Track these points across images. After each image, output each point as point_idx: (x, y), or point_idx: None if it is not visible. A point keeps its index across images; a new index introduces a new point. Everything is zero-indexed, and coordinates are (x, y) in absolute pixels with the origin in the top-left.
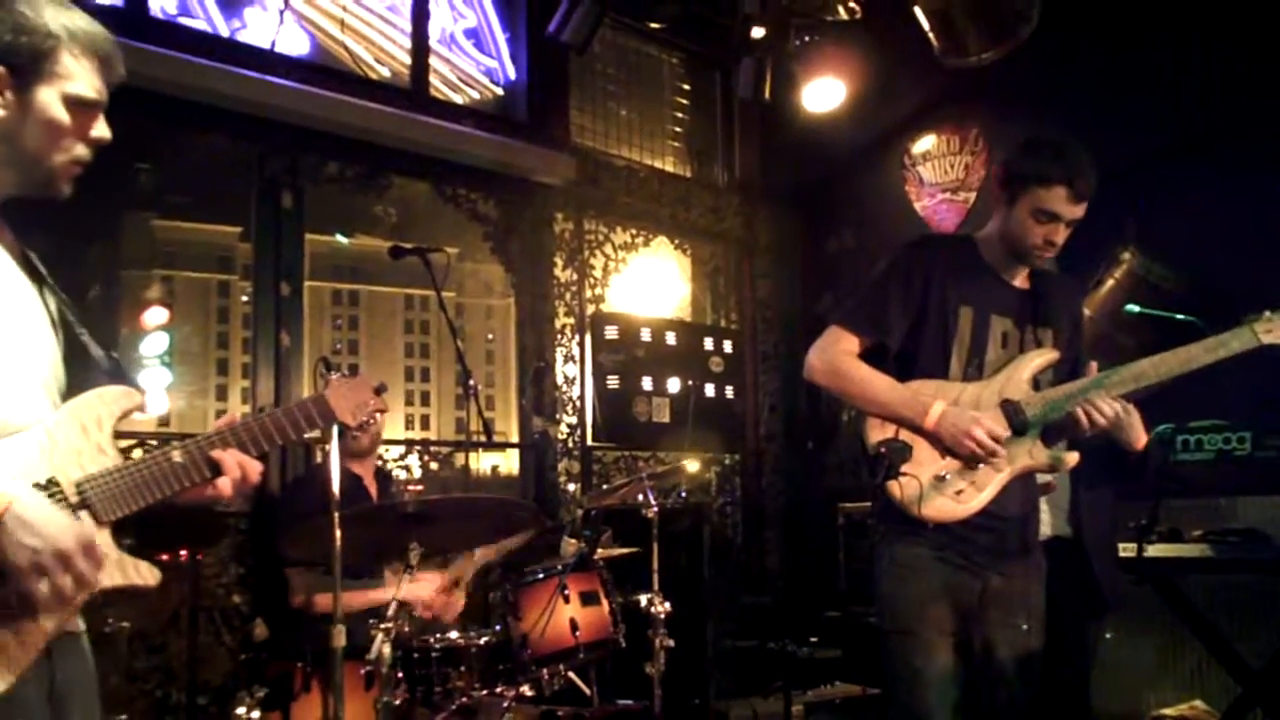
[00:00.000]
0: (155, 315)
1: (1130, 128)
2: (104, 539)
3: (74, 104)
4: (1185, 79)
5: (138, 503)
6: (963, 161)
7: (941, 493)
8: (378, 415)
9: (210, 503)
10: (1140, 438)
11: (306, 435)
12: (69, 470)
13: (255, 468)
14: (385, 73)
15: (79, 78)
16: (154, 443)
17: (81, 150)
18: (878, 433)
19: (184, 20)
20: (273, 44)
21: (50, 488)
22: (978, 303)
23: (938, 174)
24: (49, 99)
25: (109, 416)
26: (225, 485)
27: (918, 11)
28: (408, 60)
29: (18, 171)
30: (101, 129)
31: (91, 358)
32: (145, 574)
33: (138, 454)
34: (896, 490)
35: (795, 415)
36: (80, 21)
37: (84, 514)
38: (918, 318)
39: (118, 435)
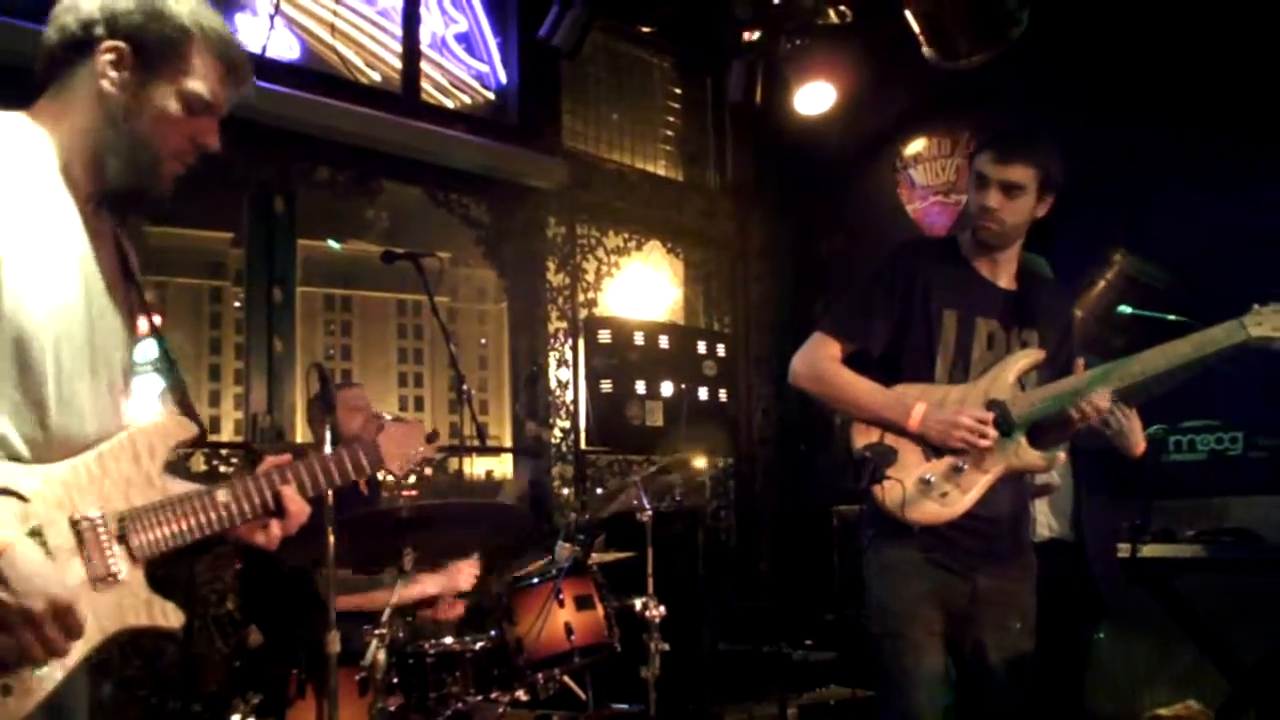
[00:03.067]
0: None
1: (1121, 128)
2: (136, 577)
3: (190, 102)
4: (1176, 79)
5: (176, 541)
6: (954, 164)
7: (926, 496)
8: (425, 463)
9: (253, 543)
10: (1140, 443)
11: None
12: (115, 501)
13: (306, 511)
14: (376, 77)
15: (201, 78)
16: None
17: (189, 150)
18: (863, 437)
19: None
20: (264, 49)
21: (93, 520)
22: (962, 305)
23: (929, 177)
24: (167, 91)
25: (163, 448)
26: (276, 530)
27: (908, 14)
28: (399, 65)
29: (123, 160)
30: (211, 138)
31: (180, 394)
32: (171, 616)
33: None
34: (881, 494)
35: (789, 418)
36: (216, 24)
37: (121, 549)
38: (901, 322)
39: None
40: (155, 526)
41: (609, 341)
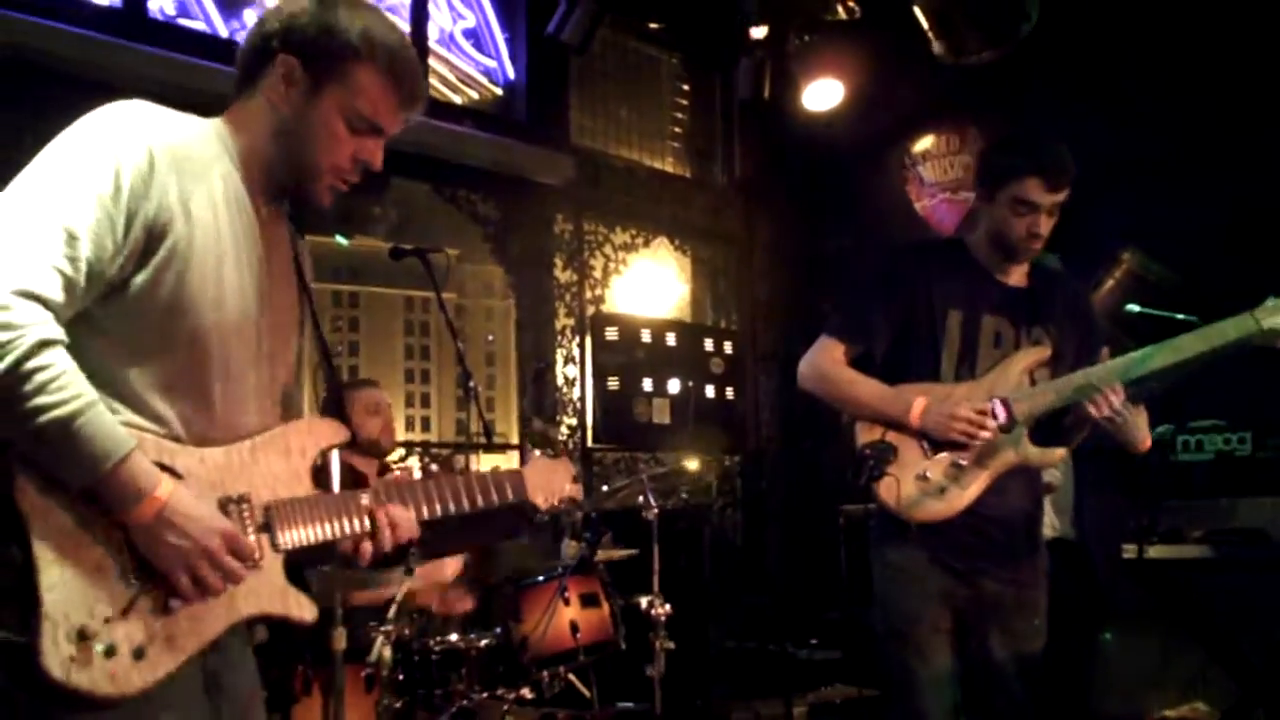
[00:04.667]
0: None
1: (1130, 127)
2: (275, 566)
3: (352, 121)
4: (1186, 76)
5: (317, 537)
6: (962, 161)
7: (925, 492)
8: (569, 503)
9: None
10: (1145, 439)
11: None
12: (261, 490)
13: (406, 530)
14: None
15: (368, 97)
16: None
17: (348, 168)
18: (866, 435)
19: (183, 21)
20: None
21: (240, 503)
22: (967, 304)
23: (937, 174)
24: (331, 107)
25: (313, 447)
26: (366, 549)
27: (916, 11)
28: None
29: (284, 171)
30: (375, 158)
31: (334, 392)
32: (306, 609)
33: None
34: (880, 491)
35: (795, 416)
36: (390, 44)
37: (263, 537)
38: (904, 323)
39: None
40: (298, 520)
41: (616, 338)
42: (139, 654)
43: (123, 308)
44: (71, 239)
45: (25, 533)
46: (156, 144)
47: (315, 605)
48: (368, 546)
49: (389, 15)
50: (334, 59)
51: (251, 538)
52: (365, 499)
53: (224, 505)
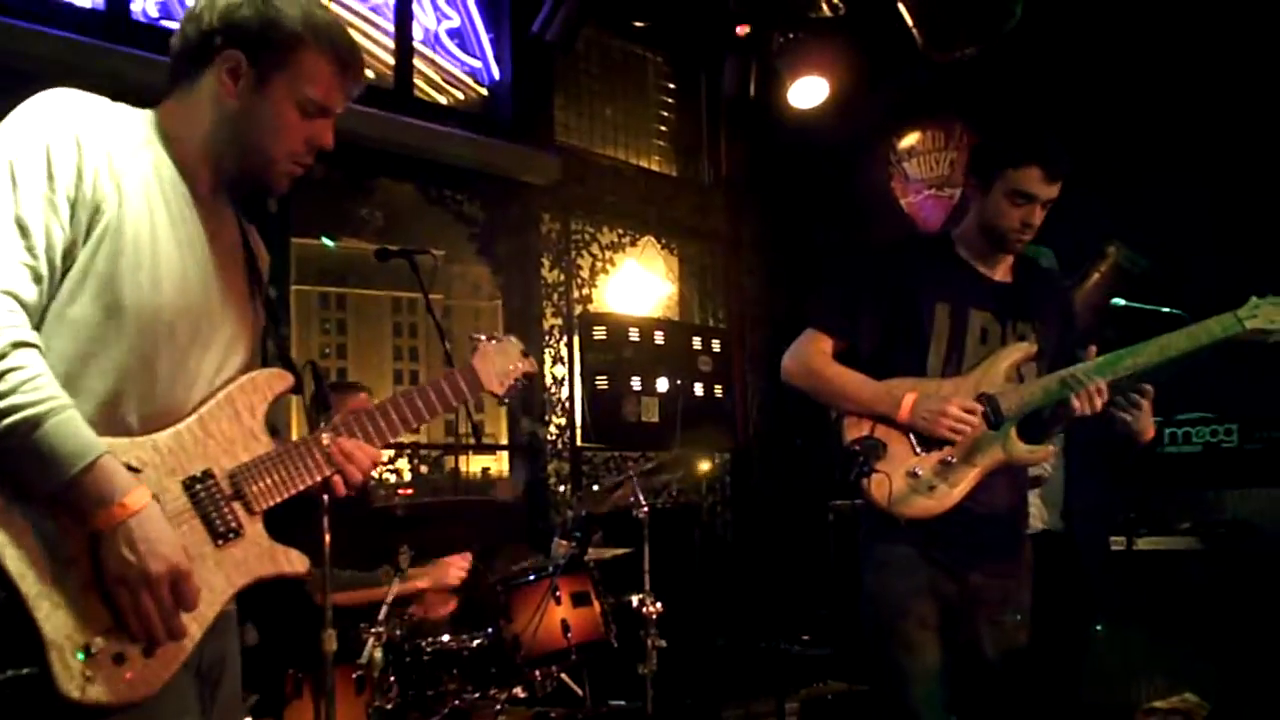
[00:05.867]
0: None
1: (1116, 121)
2: (255, 529)
3: (304, 107)
4: (1170, 72)
5: (289, 490)
6: (948, 157)
7: (915, 490)
8: (525, 379)
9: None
10: (1150, 428)
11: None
12: (222, 460)
13: (366, 458)
14: (369, 74)
15: (316, 82)
16: None
17: (304, 153)
18: (854, 430)
19: (166, 23)
20: None
21: (205, 480)
22: (955, 299)
23: (923, 170)
24: (281, 97)
25: (261, 401)
26: (338, 482)
27: (900, 7)
28: (391, 61)
29: (239, 159)
30: (326, 139)
31: (278, 347)
32: (296, 562)
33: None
34: (870, 488)
35: (784, 413)
36: (328, 23)
37: (236, 505)
38: (891, 318)
39: None
40: (266, 478)
41: (604, 338)
42: (149, 652)
43: (65, 292)
44: (24, 232)
45: (1, 567)
46: (84, 129)
47: (305, 557)
48: (339, 480)
49: None
50: (281, 49)
51: (226, 507)
52: (325, 438)
53: (189, 486)
